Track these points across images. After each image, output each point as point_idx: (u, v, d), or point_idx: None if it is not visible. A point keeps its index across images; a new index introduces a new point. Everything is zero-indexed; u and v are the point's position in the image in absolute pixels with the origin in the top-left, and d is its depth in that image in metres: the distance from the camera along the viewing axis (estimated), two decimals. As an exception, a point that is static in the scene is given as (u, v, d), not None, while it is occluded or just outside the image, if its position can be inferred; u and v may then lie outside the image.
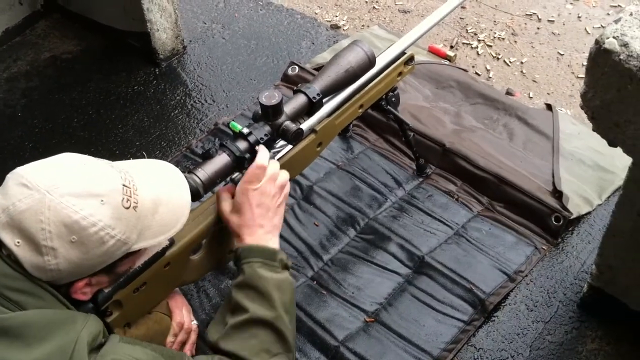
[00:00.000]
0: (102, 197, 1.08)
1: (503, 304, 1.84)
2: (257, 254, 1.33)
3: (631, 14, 1.18)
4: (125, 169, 1.17)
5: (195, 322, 1.50)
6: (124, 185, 1.12)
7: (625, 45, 1.13)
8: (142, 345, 1.15)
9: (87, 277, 1.14)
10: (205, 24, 2.87)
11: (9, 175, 1.10)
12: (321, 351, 1.73)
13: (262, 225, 1.36)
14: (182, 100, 2.52)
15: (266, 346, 1.27)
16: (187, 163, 2.21)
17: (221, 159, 1.37)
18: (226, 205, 1.38)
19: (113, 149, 2.34)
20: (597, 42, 1.17)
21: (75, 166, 1.12)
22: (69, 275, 1.10)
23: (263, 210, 1.36)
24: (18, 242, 1.05)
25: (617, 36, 1.15)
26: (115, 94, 2.56)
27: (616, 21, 1.17)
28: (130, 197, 1.12)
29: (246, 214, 1.35)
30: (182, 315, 1.45)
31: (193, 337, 1.49)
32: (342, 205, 2.07)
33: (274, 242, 1.37)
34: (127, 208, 1.11)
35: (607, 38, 1.15)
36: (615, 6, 2.89)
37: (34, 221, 1.04)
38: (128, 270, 1.25)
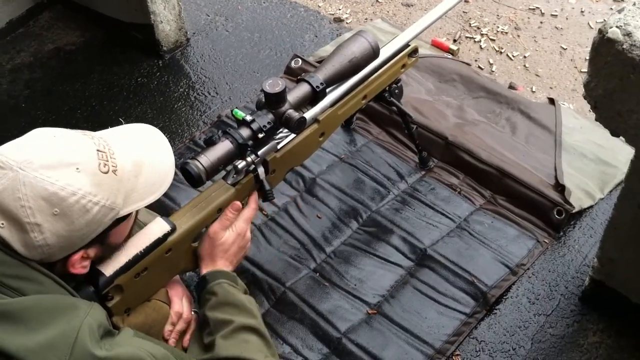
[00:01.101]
0: (76, 165, 1.08)
1: (505, 297, 1.85)
2: (224, 276, 1.42)
3: (634, 4, 1.18)
4: (100, 136, 1.17)
5: (195, 311, 1.50)
6: (98, 150, 1.12)
7: (628, 34, 1.13)
8: (154, 341, 1.17)
9: (81, 249, 1.14)
10: (208, 16, 2.87)
11: None
12: (323, 343, 1.74)
13: (232, 262, 1.49)
14: (185, 93, 2.52)
15: (259, 348, 1.32)
16: (191, 155, 2.21)
17: (224, 146, 1.38)
18: (222, 231, 1.47)
19: (116, 140, 2.33)
20: (600, 31, 1.17)
21: (46, 139, 1.11)
22: (61, 249, 1.10)
23: (240, 253, 1.51)
24: (2, 224, 1.05)
25: (621, 25, 1.14)
26: (119, 86, 2.56)
27: (619, 11, 1.17)
28: (108, 161, 1.12)
29: (230, 247, 1.47)
30: (181, 304, 1.45)
31: (193, 326, 1.49)
32: (345, 197, 2.07)
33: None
34: (106, 172, 1.11)
35: (611, 27, 1.15)
36: (619, 0, 2.89)
37: (12, 199, 1.04)
38: (121, 239, 1.25)
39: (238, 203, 1.48)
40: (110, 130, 1.25)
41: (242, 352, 1.28)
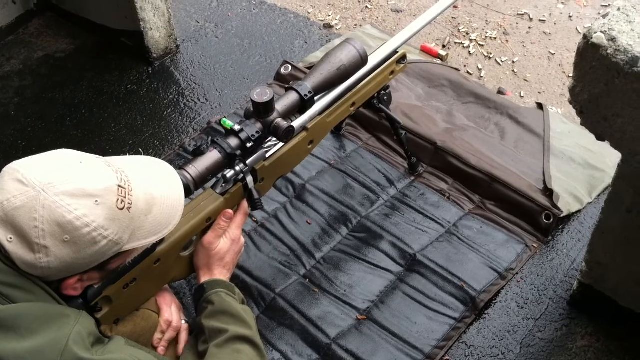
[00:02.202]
0: (96, 198, 1.08)
1: (494, 302, 1.85)
2: (222, 286, 1.43)
3: (619, 9, 1.19)
4: (121, 168, 1.17)
5: (184, 320, 1.50)
6: (119, 186, 1.12)
7: (612, 39, 1.14)
8: (145, 350, 1.17)
9: (79, 274, 1.15)
10: (198, 23, 2.87)
11: (5, 169, 1.10)
12: (313, 349, 1.74)
13: (229, 270, 1.51)
14: (175, 99, 2.52)
15: (251, 358, 1.32)
16: (180, 162, 2.21)
17: (212, 156, 1.38)
18: (215, 240, 1.48)
19: (106, 147, 2.33)
20: (585, 36, 1.18)
21: (72, 164, 1.12)
22: (60, 273, 1.11)
23: (235, 260, 1.53)
24: (10, 238, 1.06)
25: (605, 31, 1.15)
26: (108, 93, 2.56)
27: (604, 16, 1.18)
28: (125, 198, 1.12)
29: (225, 255, 1.49)
30: (171, 312, 1.45)
31: (184, 335, 1.48)
32: (335, 203, 2.08)
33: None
34: (122, 209, 1.12)
35: (595, 32, 1.16)
36: (607, 5, 2.91)
37: (27, 219, 1.05)
38: (119, 267, 1.25)
39: (230, 211, 1.49)
40: (127, 159, 1.25)
41: None
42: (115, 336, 1.17)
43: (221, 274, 1.47)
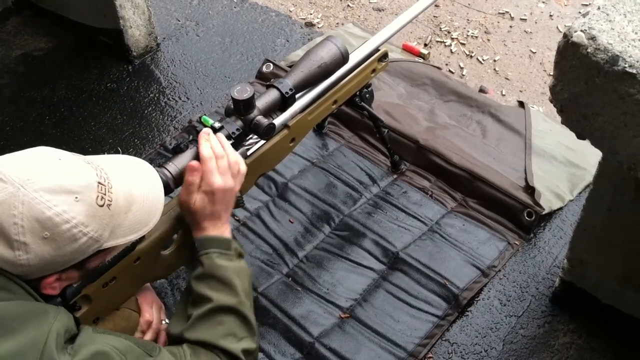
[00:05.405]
0: (76, 194, 1.07)
1: (476, 299, 1.86)
2: (214, 244, 1.34)
3: (599, 8, 1.19)
4: (100, 166, 1.15)
5: (165, 321, 1.48)
6: (99, 182, 1.11)
7: (592, 38, 1.14)
8: (115, 334, 1.16)
9: (57, 272, 1.13)
10: (179, 21, 2.85)
11: None
12: (296, 347, 1.73)
13: (220, 218, 1.37)
14: (155, 98, 2.50)
15: (233, 330, 1.29)
16: (161, 160, 2.20)
17: (192, 153, 1.36)
18: (189, 197, 1.35)
19: (85, 146, 2.31)
20: (565, 35, 1.18)
21: (51, 161, 1.10)
22: (39, 270, 1.09)
23: (224, 205, 1.37)
24: None
25: (585, 29, 1.16)
26: (88, 92, 2.53)
27: (584, 15, 1.19)
28: (105, 195, 1.11)
29: (208, 208, 1.35)
30: (152, 312, 1.44)
31: (163, 336, 1.47)
32: (317, 202, 2.07)
33: (228, 232, 1.39)
34: (101, 206, 1.10)
35: (575, 31, 1.16)
36: (587, 5, 2.93)
37: (6, 215, 1.03)
38: (98, 265, 1.23)
39: (194, 163, 1.34)
40: (107, 158, 1.22)
41: (211, 337, 1.25)
42: (82, 327, 1.15)
43: (214, 226, 1.36)
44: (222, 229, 1.38)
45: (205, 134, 1.37)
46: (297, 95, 1.58)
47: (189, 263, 1.44)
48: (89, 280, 1.24)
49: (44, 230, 1.04)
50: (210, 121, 1.41)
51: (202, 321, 1.28)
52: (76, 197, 1.07)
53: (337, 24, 2.87)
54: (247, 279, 1.36)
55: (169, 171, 1.33)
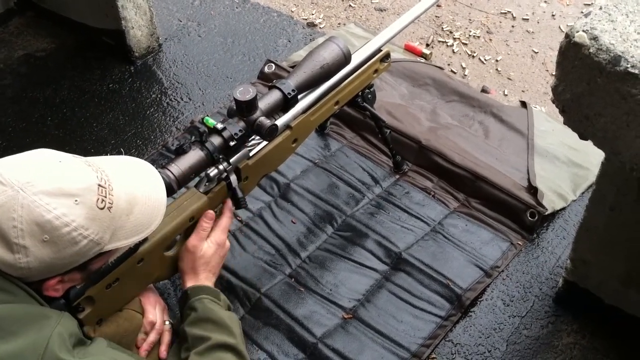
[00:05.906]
0: (76, 197, 1.07)
1: (480, 300, 1.85)
2: (206, 292, 1.41)
3: (601, 8, 1.19)
4: (101, 168, 1.15)
5: (168, 321, 1.48)
6: (99, 185, 1.11)
7: (594, 38, 1.14)
8: (127, 353, 1.16)
9: (60, 275, 1.13)
10: (181, 21, 2.85)
11: None
12: (299, 348, 1.73)
13: (215, 272, 1.49)
14: (157, 99, 2.50)
15: None
16: (164, 161, 2.18)
17: (195, 154, 1.37)
18: (201, 243, 1.46)
19: (88, 147, 2.31)
20: (567, 35, 1.18)
21: (51, 163, 1.10)
22: (40, 273, 1.09)
23: (220, 263, 1.51)
24: None
25: (587, 30, 1.16)
26: (90, 92, 2.53)
27: (586, 15, 1.19)
28: (105, 197, 1.11)
29: (213, 258, 1.47)
30: (155, 313, 1.44)
31: (167, 337, 1.47)
32: (320, 202, 2.07)
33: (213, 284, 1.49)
34: (102, 209, 1.10)
35: (577, 32, 1.16)
36: (589, 4, 2.92)
37: (6, 218, 1.03)
38: (101, 267, 1.24)
39: (211, 212, 1.47)
40: (108, 159, 1.23)
41: None
42: (97, 338, 1.16)
43: (207, 278, 1.45)
44: (212, 282, 1.47)
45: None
46: (299, 96, 1.59)
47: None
48: (92, 281, 1.24)
49: (43, 233, 1.04)
50: (213, 122, 1.42)
51: (202, 357, 1.29)
52: (76, 200, 1.07)
53: (339, 24, 2.87)
54: (240, 328, 1.41)
55: (172, 172, 1.33)
